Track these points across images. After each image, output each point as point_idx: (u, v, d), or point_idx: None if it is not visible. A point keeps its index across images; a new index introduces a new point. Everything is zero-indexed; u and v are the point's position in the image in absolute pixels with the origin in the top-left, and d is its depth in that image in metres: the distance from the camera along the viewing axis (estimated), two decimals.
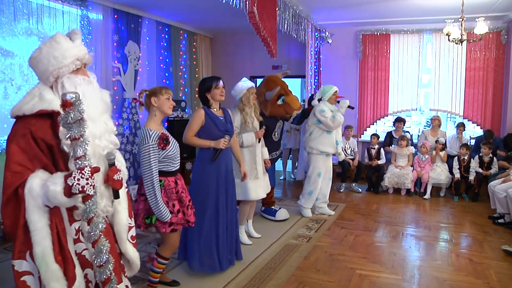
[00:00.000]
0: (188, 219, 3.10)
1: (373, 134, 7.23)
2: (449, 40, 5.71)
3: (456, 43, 5.71)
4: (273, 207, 5.29)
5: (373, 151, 7.07)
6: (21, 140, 1.75)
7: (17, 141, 1.75)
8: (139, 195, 3.02)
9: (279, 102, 5.03)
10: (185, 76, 8.08)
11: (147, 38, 7.06)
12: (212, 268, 3.49)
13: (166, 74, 7.53)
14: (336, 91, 5.33)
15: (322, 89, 5.43)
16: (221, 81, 3.56)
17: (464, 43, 5.81)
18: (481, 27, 5.52)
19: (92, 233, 1.78)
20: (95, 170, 1.75)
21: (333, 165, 7.05)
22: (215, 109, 3.57)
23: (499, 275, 3.67)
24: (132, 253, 2.15)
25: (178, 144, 3.13)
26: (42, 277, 1.70)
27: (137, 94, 3.08)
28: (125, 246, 2.12)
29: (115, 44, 6.23)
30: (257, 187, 4.29)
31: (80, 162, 1.71)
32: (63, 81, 1.87)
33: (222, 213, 3.54)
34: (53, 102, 1.81)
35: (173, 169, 3.06)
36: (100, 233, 1.80)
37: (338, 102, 5.37)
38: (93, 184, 1.72)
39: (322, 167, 5.36)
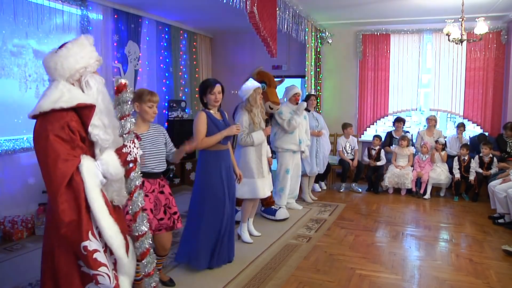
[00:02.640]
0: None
1: (376, 136, 7.19)
2: (449, 40, 5.70)
3: (456, 43, 5.70)
4: (273, 206, 5.30)
5: (374, 152, 7.06)
6: (61, 132, 1.87)
7: (57, 134, 1.86)
8: None
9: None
10: (185, 76, 8.08)
11: (147, 38, 7.06)
12: (204, 265, 3.58)
13: (166, 74, 7.53)
14: (296, 93, 5.51)
15: (286, 89, 5.62)
16: (217, 86, 3.52)
17: (464, 43, 5.81)
18: (481, 27, 5.52)
19: (136, 203, 2.09)
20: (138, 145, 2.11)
21: (333, 165, 7.15)
22: (214, 112, 3.59)
23: (499, 275, 3.67)
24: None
25: (163, 149, 3.12)
26: (115, 248, 1.91)
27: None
28: None
29: (115, 44, 6.23)
30: (264, 185, 4.37)
31: (129, 136, 2.06)
32: (87, 79, 2.05)
33: (226, 212, 3.60)
34: (86, 98, 1.99)
35: (147, 170, 2.95)
36: (141, 205, 2.11)
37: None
38: (140, 154, 2.09)
39: (290, 164, 5.45)
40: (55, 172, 1.82)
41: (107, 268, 1.88)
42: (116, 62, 6.24)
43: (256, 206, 4.66)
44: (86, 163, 1.89)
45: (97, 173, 1.91)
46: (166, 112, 7.32)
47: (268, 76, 5.23)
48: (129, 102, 2.07)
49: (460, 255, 4.16)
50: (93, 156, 2.01)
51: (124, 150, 2.01)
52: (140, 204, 2.06)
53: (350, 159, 7.05)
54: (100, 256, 1.87)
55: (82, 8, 5.59)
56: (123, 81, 2.03)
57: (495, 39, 7.18)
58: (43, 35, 5.11)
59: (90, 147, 2.01)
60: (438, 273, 3.70)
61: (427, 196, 6.57)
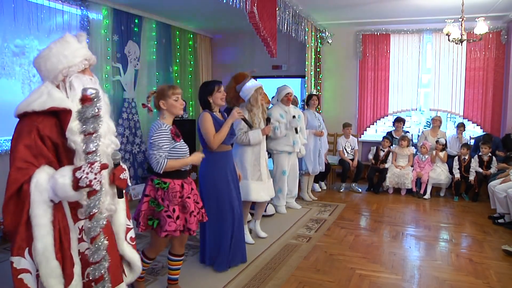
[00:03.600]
0: (190, 227, 2.96)
1: (385, 137, 7.14)
2: (449, 40, 5.71)
3: (456, 43, 5.71)
4: None
5: (382, 154, 7.03)
6: (26, 137, 1.76)
7: (22, 138, 1.76)
8: (144, 195, 2.96)
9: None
10: (186, 76, 8.08)
11: (147, 38, 7.05)
12: (225, 266, 3.66)
13: (166, 74, 7.52)
14: (288, 93, 5.42)
15: (278, 90, 5.55)
16: (222, 85, 3.59)
17: (464, 43, 5.81)
18: (481, 27, 5.52)
19: (92, 229, 1.78)
20: (104, 166, 1.78)
21: (333, 165, 7.15)
22: (216, 112, 3.61)
23: (499, 275, 3.67)
24: (130, 254, 2.14)
25: (187, 147, 3.08)
26: (41, 273, 1.69)
27: (147, 98, 3.03)
28: (123, 246, 2.12)
29: (115, 44, 6.23)
30: (260, 189, 4.29)
31: (90, 157, 1.74)
32: (71, 80, 1.90)
33: (236, 212, 3.66)
34: (63, 101, 1.84)
35: (180, 169, 2.97)
36: (100, 230, 1.80)
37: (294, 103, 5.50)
38: (100, 180, 1.74)
39: (286, 165, 5.43)
40: (8, 177, 1.72)
41: None
42: (116, 62, 6.25)
43: (263, 208, 4.63)
44: (38, 176, 1.71)
45: (47, 189, 1.71)
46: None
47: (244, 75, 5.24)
48: (94, 118, 1.73)
49: (460, 255, 4.17)
50: (72, 164, 1.84)
51: (76, 174, 1.71)
52: (97, 230, 1.79)
53: (350, 159, 7.05)
54: (29, 279, 1.70)
55: (82, 8, 5.58)
56: (88, 92, 1.70)
57: (495, 39, 7.18)
58: (43, 35, 5.11)
59: (68, 154, 1.85)
60: (438, 273, 3.70)
61: (427, 196, 6.57)
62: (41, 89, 1.87)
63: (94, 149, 1.74)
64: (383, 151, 7.03)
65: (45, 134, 1.78)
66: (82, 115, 1.72)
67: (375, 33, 7.81)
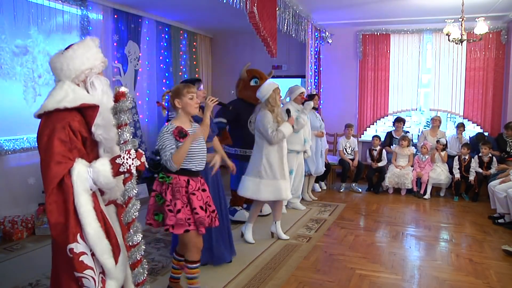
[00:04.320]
0: (201, 221, 2.86)
1: (375, 136, 7.20)
2: (449, 40, 5.70)
3: (456, 43, 5.70)
4: (235, 207, 5.18)
5: (375, 153, 7.06)
6: (61, 132, 1.90)
7: (57, 134, 1.89)
8: (152, 190, 2.96)
9: (252, 83, 5.12)
10: (185, 76, 8.07)
11: (147, 38, 7.06)
12: (228, 258, 3.80)
13: (166, 74, 7.52)
14: (302, 92, 5.48)
15: (290, 89, 5.59)
16: (199, 85, 3.76)
17: (464, 43, 5.81)
18: (481, 27, 5.51)
19: (128, 214, 2.00)
20: (140, 154, 2.02)
21: (333, 165, 7.16)
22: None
23: (499, 275, 3.67)
24: None
25: (204, 146, 3.03)
26: (96, 252, 1.89)
27: (161, 96, 3.02)
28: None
29: (115, 44, 6.24)
30: (287, 187, 4.36)
31: (126, 146, 1.98)
32: (92, 80, 2.08)
33: (219, 208, 3.66)
34: (91, 98, 2.03)
35: (187, 167, 2.89)
36: (136, 215, 2.02)
37: (303, 103, 5.45)
38: (136, 165, 1.99)
39: (294, 165, 5.43)
40: (48, 172, 1.85)
41: (93, 271, 1.89)
42: (116, 62, 6.25)
43: (281, 208, 4.64)
44: (78, 167, 1.89)
45: (87, 178, 1.90)
46: (167, 112, 7.31)
47: (257, 71, 5.27)
48: (128, 111, 2.00)
49: (460, 255, 4.17)
50: (97, 156, 2.03)
51: (117, 160, 1.95)
52: (133, 215, 2.02)
53: (350, 159, 7.06)
54: (87, 259, 1.88)
55: (82, 8, 5.59)
56: (122, 89, 1.98)
57: (495, 39, 7.18)
58: (43, 35, 5.11)
59: (93, 148, 2.04)
60: (438, 273, 3.71)
61: (427, 196, 6.57)
62: (65, 88, 2.00)
63: (128, 138, 1.99)
64: (375, 150, 7.05)
65: (76, 129, 1.95)
66: (118, 108, 1.97)
67: (375, 33, 7.81)
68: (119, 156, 1.96)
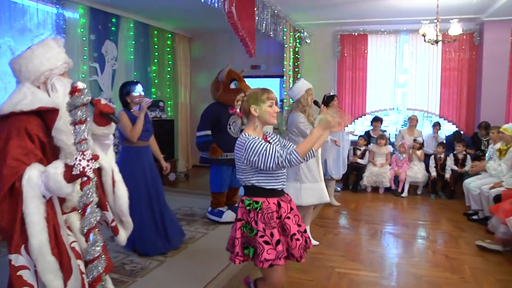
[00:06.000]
0: (293, 253, 2.42)
1: (361, 136, 7.23)
2: (425, 40, 5.81)
3: (431, 44, 5.82)
4: (221, 208, 5.07)
5: (359, 153, 7.09)
6: (15, 136, 1.79)
7: (12, 138, 1.78)
8: (237, 220, 2.49)
9: (232, 86, 5.07)
10: (165, 76, 8.01)
11: (125, 38, 6.96)
12: (162, 249, 3.96)
13: (144, 74, 7.44)
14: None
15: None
16: (137, 86, 3.93)
17: (440, 43, 5.93)
18: (455, 29, 5.64)
19: (86, 221, 1.81)
20: (96, 156, 1.82)
21: None
22: (133, 111, 3.99)
23: (473, 270, 3.76)
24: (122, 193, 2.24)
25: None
26: (39, 269, 1.71)
27: (236, 102, 2.56)
28: (112, 197, 2.21)
29: (92, 43, 6.12)
30: (324, 189, 4.25)
31: (81, 146, 1.78)
32: (53, 82, 1.96)
33: (155, 202, 3.96)
34: (50, 100, 1.90)
35: (274, 186, 2.46)
36: (95, 222, 1.83)
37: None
38: (93, 168, 1.79)
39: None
40: (0, 177, 1.74)
41: None
42: (93, 61, 6.14)
43: (310, 213, 4.42)
44: (29, 172, 1.73)
45: (38, 184, 1.73)
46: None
47: (235, 73, 5.24)
48: (83, 107, 1.79)
49: (436, 252, 4.25)
50: None
51: (69, 162, 1.74)
52: (93, 222, 1.80)
53: None
54: (28, 275, 1.72)
55: (57, 6, 5.46)
56: (78, 84, 1.79)
57: (469, 40, 7.34)
58: (17, 34, 4.99)
59: (54, 152, 1.91)
60: (415, 270, 3.77)
61: (405, 194, 6.67)
62: (23, 90, 1.89)
63: (84, 138, 1.79)
64: (360, 149, 7.12)
65: (34, 133, 1.82)
66: (72, 104, 1.78)
67: (353, 33, 7.88)
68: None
